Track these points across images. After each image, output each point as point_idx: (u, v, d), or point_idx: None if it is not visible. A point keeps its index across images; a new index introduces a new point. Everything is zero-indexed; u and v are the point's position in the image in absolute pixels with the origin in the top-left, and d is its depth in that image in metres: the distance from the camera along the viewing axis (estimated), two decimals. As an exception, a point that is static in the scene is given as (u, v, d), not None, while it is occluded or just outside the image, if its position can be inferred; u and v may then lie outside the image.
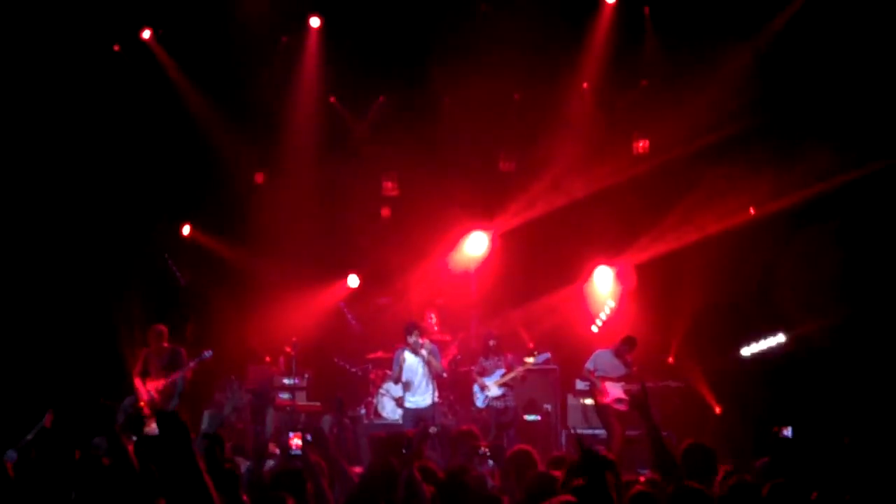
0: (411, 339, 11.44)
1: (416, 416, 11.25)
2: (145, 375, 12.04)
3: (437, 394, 11.63)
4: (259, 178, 15.48)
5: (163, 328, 12.29)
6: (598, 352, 12.54)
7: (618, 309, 14.59)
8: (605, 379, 12.25)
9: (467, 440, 9.42)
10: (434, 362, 11.49)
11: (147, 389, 11.96)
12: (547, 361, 12.75)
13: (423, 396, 11.50)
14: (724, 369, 13.61)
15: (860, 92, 12.52)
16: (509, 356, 12.72)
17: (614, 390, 12.21)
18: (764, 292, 13.30)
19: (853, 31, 12.36)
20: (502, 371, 12.55)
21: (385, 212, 15.58)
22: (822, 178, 12.93)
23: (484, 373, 12.65)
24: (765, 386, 12.98)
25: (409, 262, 15.27)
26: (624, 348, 12.35)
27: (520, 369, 12.55)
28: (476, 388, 12.67)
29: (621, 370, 12.32)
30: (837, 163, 12.76)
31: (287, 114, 15.14)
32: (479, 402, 12.65)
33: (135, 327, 13.80)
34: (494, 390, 12.47)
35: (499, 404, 12.48)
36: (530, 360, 12.49)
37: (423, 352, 11.47)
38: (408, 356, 11.60)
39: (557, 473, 6.00)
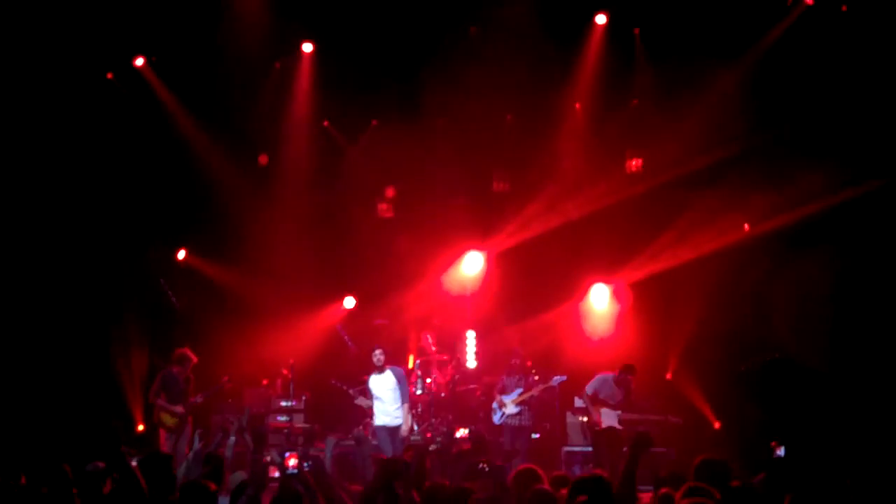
0: (374, 359, 11.71)
1: (389, 435, 11.55)
2: (165, 397, 11.98)
3: (410, 418, 11.88)
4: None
5: (191, 354, 12.24)
6: (599, 376, 12.48)
7: (615, 327, 14.63)
8: (601, 405, 12.24)
9: (467, 458, 9.47)
10: (398, 387, 11.69)
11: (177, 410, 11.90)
12: (562, 384, 12.82)
13: (394, 416, 11.68)
14: (722, 385, 13.66)
15: (853, 111, 12.63)
16: (531, 376, 12.82)
17: (608, 419, 12.21)
18: (759, 310, 13.37)
19: (845, 50, 12.50)
20: (521, 390, 12.64)
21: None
22: (817, 198, 13.02)
23: (504, 391, 12.80)
24: (763, 401, 13.03)
25: (405, 282, 15.32)
26: (624, 377, 12.29)
27: (535, 390, 12.67)
28: (494, 404, 12.83)
29: (619, 397, 12.31)
30: (831, 182, 12.85)
31: (281, 137, 15.20)
32: (497, 418, 12.80)
33: (130, 351, 13.81)
34: (511, 408, 12.62)
35: (514, 422, 12.64)
36: (552, 381, 12.69)
37: (382, 369, 11.68)
38: (372, 378, 11.85)
39: (563, 492, 6.03)
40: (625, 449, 12.25)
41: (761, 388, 13.20)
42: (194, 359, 12.21)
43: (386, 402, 11.70)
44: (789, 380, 13.05)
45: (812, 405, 12.62)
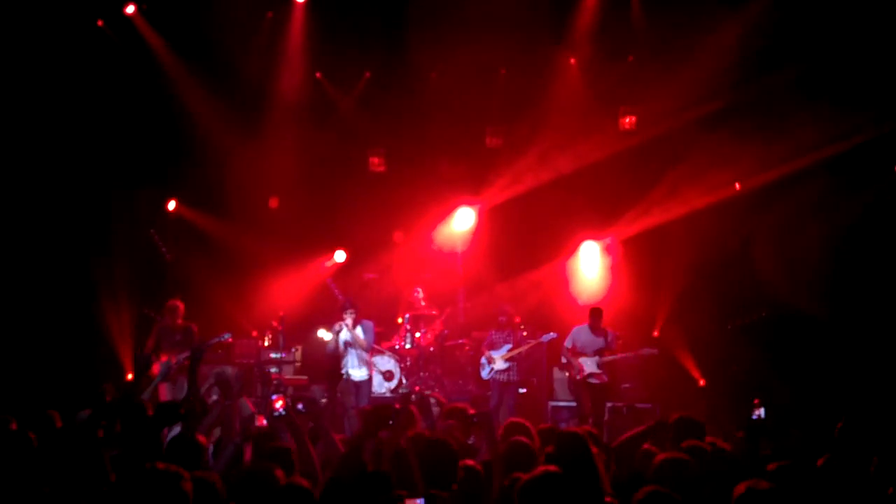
0: (346, 318, 11.78)
1: (356, 388, 11.80)
2: (158, 351, 11.93)
3: (370, 370, 12.13)
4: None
5: (179, 304, 12.12)
6: (575, 329, 12.67)
7: (604, 283, 14.67)
8: (580, 355, 12.37)
9: (459, 413, 9.50)
10: (360, 339, 11.79)
11: (161, 361, 11.84)
12: (552, 340, 12.89)
13: (360, 370, 11.91)
14: (709, 341, 13.73)
15: (847, 66, 12.56)
16: (520, 333, 12.84)
17: (588, 366, 12.34)
18: (749, 265, 13.41)
19: (841, 5, 12.40)
20: (509, 346, 12.68)
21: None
22: (808, 152, 13.02)
23: (493, 346, 12.84)
24: (750, 357, 13.11)
25: (396, 237, 15.28)
26: (595, 321, 12.45)
27: (524, 347, 12.72)
28: (483, 360, 12.89)
29: (599, 343, 12.42)
30: (822, 136, 12.84)
31: (273, 89, 15.06)
32: (485, 373, 12.88)
33: (121, 304, 13.78)
34: (500, 364, 12.65)
35: (502, 377, 12.69)
36: (543, 338, 12.77)
37: (352, 328, 11.77)
38: (343, 332, 11.94)
39: (550, 448, 6.07)
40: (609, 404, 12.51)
41: (762, 339, 13.27)
42: (181, 306, 12.17)
43: (354, 356, 11.89)
44: (789, 330, 13.12)
45: (811, 354, 12.72)
